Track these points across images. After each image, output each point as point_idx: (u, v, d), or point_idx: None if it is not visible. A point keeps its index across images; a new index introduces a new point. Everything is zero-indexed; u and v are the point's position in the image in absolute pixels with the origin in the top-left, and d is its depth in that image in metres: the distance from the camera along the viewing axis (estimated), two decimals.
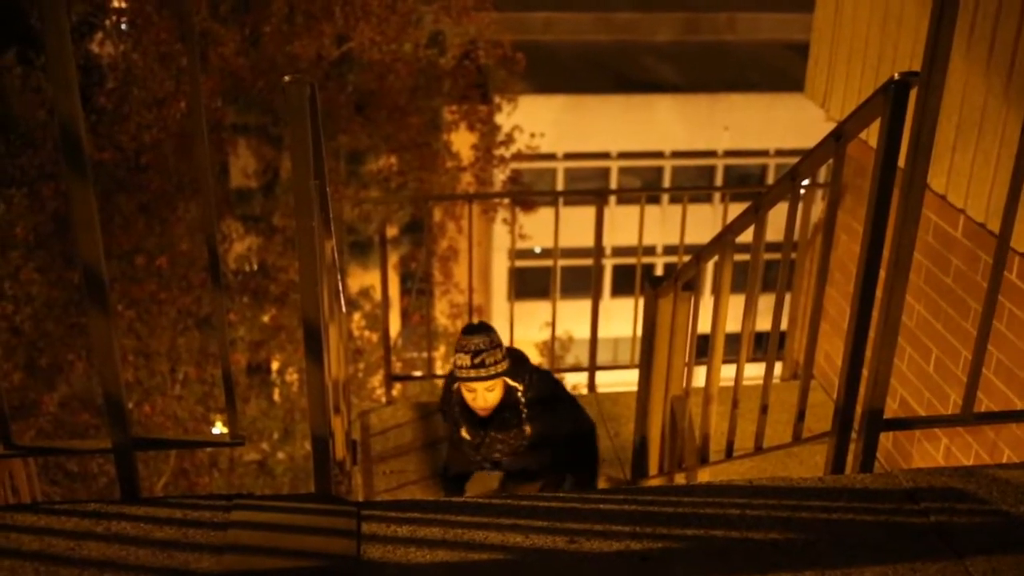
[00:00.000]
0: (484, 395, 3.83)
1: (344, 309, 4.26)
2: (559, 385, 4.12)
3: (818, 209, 5.45)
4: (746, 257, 3.01)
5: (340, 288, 3.84)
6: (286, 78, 1.91)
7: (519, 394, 3.89)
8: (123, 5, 14.61)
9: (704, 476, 3.62)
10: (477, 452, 4.05)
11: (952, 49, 1.94)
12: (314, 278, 2.02)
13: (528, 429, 3.91)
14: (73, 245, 1.94)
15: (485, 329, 3.85)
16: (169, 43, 13.38)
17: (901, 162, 2.05)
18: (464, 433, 4.03)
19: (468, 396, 3.88)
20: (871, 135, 4.33)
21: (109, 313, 1.99)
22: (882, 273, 2.08)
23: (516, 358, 3.94)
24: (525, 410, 3.89)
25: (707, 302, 3.75)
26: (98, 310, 1.98)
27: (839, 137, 2.44)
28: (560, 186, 19.31)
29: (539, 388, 3.93)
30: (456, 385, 3.96)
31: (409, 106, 14.58)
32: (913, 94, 2.04)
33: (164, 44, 13.46)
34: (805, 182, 2.96)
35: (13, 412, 12.14)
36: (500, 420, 3.91)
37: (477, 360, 3.76)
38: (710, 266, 3.93)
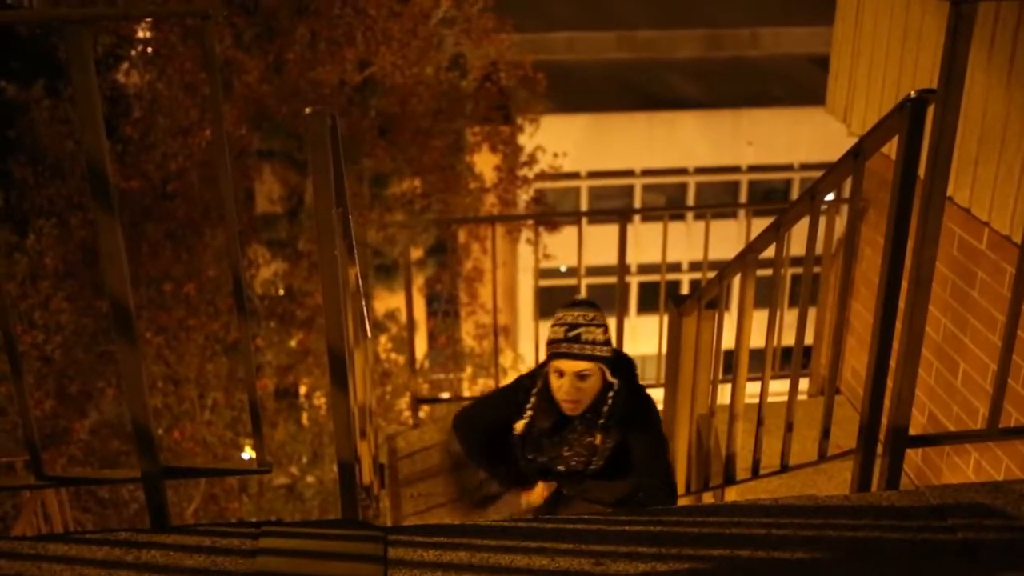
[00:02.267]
0: (574, 382, 3.06)
1: (369, 334, 4.29)
2: (656, 413, 3.32)
3: (842, 223, 5.44)
4: (770, 272, 3.02)
5: (365, 313, 3.86)
6: (307, 109, 1.94)
7: (611, 394, 3.15)
8: (148, 35, 14.79)
9: (732, 495, 3.61)
10: (536, 459, 3.31)
11: (971, 62, 1.94)
12: (338, 306, 2.04)
13: (599, 439, 3.17)
14: (101, 276, 1.98)
15: (588, 303, 3.17)
16: (194, 72, 13.54)
17: (924, 174, 2.05)
18: (529, 424, 3.25)
19: (554, 382, 3.12)
20: (893, 148, 4.33)
21: (136, 344, 2.02)
22: (905, 286, 2.08)
23: (622, 356, 3.27)
24: (607, 415, 3.14)
25: (732, 319, 3.75)
26: (125, 341, 2.01)
27: (858, 155, 2.44)
28: (584, 204, 19.32)
29: (634, 401, 3.18)
30: (545, 369, 3.20)
31: (432, 129, 14.66)
32: (931, 110, 2.04)
33: (189, 73, 13.62)
34: (829, 196, 2.97)
35: (44, 440, 12.28)
36: (580, 422, 3.18)
37: (572, 334, 3.06)
38: (735, 283, 3.93)
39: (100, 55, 14.56)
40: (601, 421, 3.13)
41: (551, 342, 3.10)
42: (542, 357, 3.35)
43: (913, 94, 2.05)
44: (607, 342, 3.08)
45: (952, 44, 1.91)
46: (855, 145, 2.49)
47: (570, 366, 3.06)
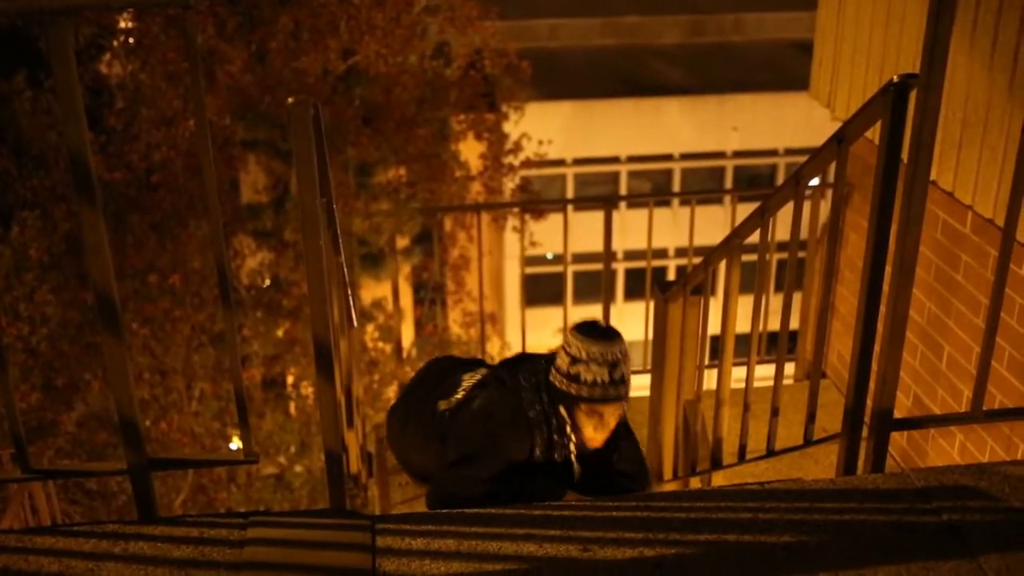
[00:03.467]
0: (609, 423, 2.90)
1: (356, 323, 4.28)
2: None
3: (827, 208, 5.45)
4: (755, 258, 3.03)
5: (351, 303, 3.86)
6: (290, 100, 1.94)
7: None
8: (130, 26, 14.71)
9: (718, 480, 3.63)
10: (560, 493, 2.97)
11: (954, 47, 1.95)
12: (323, 297, 2.04)
13: (616, 459, 3.09)
14: (86, 268, 1.97)
15: (616, 334, 2.89)
16: (177, 62, 13.47)
17: (907, 158, 2.05)
18: (550, 457, 2.97)
19: (589, 425, 2.89)
20: (877, 133, 4.34)
21: (122, 337, 2.01)
22: (889, 270, 2.09)
23: None
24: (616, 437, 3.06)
25: (718, 304, 3.76)
26: (111, 334, 2.01)
27: (841, 140, 2.45)
28: (570, 191, 19.32)
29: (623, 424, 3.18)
30: (571, 408, 2.90)
31: (416, 117, 14.63)
32: (914, 95, 2.05)
33: (172, 64, 13.55)
34: (814, 181, 2.97)
35: (31, 433, 12.23)
36: (601, 451, 3.02)
37: (618, 375, 2.82)
38: (720, 269, 3.94)
39: (82, 46, 14.47)
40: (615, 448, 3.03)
41: (591, 385, 2.79)
42: (530, 344, 3.24)
43: (896, 79, 2.05)
44: (628, 371, 2.92)
45: (934, 29, 1.92)
46: (838, 130, 2.50)
47: (612, 410, 2.87)
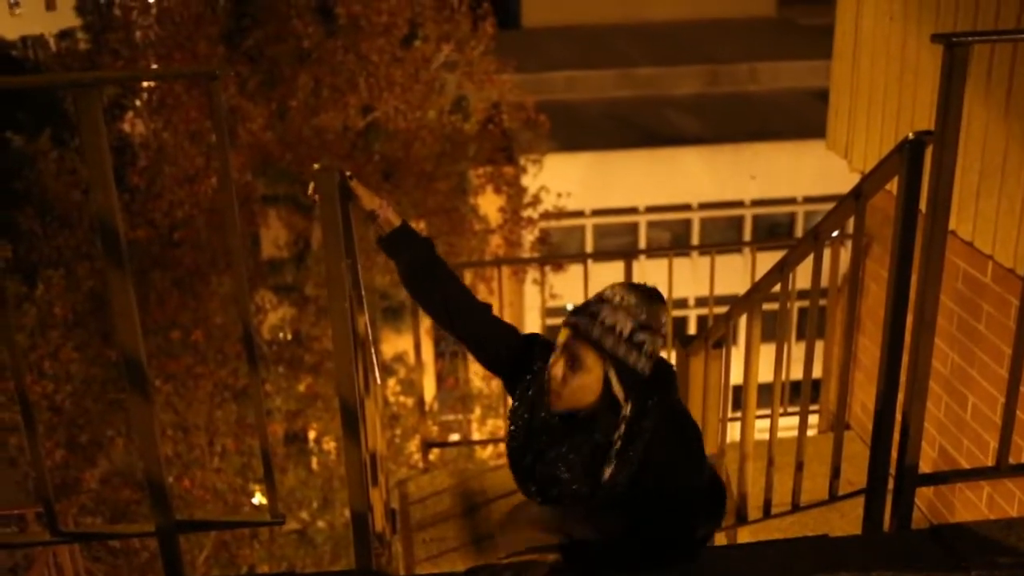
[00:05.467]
0: (563, 364, 2.35)
1: (379, 379, 4.30)
2: (693, 448, 2.44)
3: (846, 257, 5.46)
4: (777, 307, 3.04)
5: (375, 360, 3.88)
6: (315, 166, 1.98)
7: (621, 416, 2.37)
8: (153, 85, 14.96)
9: (744, 535, 3.61)
10: (524, 457, 2.53)
11: (969, 97, 1.97)
12: (349, 357, 2.07)
13: (608, 474, 2.37)
14: (112, 331, 2.00)
15: (650, 294, 2.39)
16: (199, 121, 13.67)
17: (925, 210, 2.07)
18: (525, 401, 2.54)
19: (552, 358, 2.40)
20: (895, 185, 4.35)
21: (150, 400, 2.04)
22: (911, 319, 2.09)
23: (659, 372, 2.43)
24: (618, 443, 2.36)
25: (739, 354, 3.76)
26: (139, 396, 2.03)
27: (859, 195, 2.47)
28: (589, 242, 19.36)
29: (661, 433, 2.38)
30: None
31: (436, 172, 14.76)
32: (930, 149, 2.07)
33: (194, 122, 13.75)
34: (835, 233, 2.99)
35: (55, 491, 12.24)
36: (576, 431, 2.44)
37: (594, 308, 2.36)
38: (741, 321, 3.95)
39: (106, 105, 14.68)
40: (614, 449, 2.37)
41: (575, 310, 2.43)
42: None
43: (911, 135, 2.08)
44: (638, 344, 2.31)
45: (947, 85, 1.94)
46: (856, 186, 2.52)
47: (576, 347, 2.34)
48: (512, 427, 2.57)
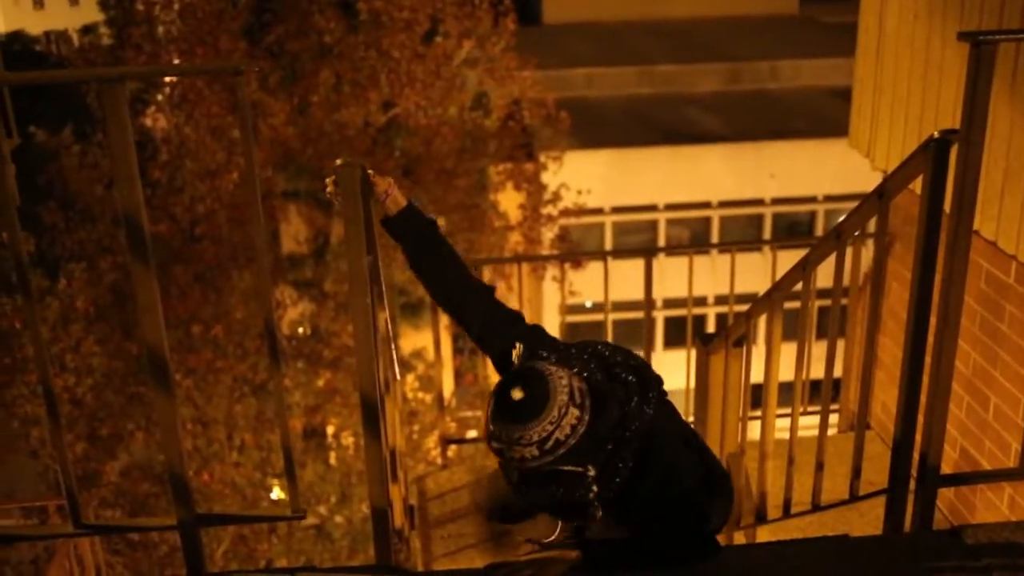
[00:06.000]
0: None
1: (398, 375, 4.31)
2: (679, 452, 2.41)
3: (868, 256, 5.43)
4: (798, 305, 3.03)
5: (395, 356, 3.88)
6: (338, 161, 1.98)
7: (589, 484, 2.26)
8: (175, 80, 15.03)
9: (764, 535, 3.59)
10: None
11: (995, 96, 1.95)
12: (370, 354, 2.07)
13: (599, 515, 2.31)
14: (135, 326, 2.02)
15: (520, 408, 2.16)
16: (221, 116, 13.71)
17: (948, 207, 2.05)
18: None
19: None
20: (918, 183, 4.32)
21: (173, 395, 2.05)
22: (933, 322, 2.07)
23: (598, 403, 2.20)
24: (594, 504, 2.28)
25: (759, 352, 3.75)
26: (162, 390, 2.05)
27: (882, 195, 2.46)
28: (609, 239, 19.34)
29: (645, 481, 2.29)
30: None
31: (456, 168, 14.76)
32: (955, 148, 2.05)
33: (216, 117, 13.80)
34: (857, 232, 2.97)
35: (77, 484, 12.30)
36: None
37: (498, 449, 2.23)
38: (762, 318, 3.93)
39: (128, 99, 14.78)
40: (592, 506, 2.30)
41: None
42: None
43: (936, 134, 2.06)
44: (550, 450, 2.14)
45: (973, 84, 1.93)
46: (880, 185, 2.50)
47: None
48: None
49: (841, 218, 2.94)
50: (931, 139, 2.06)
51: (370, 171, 2.52)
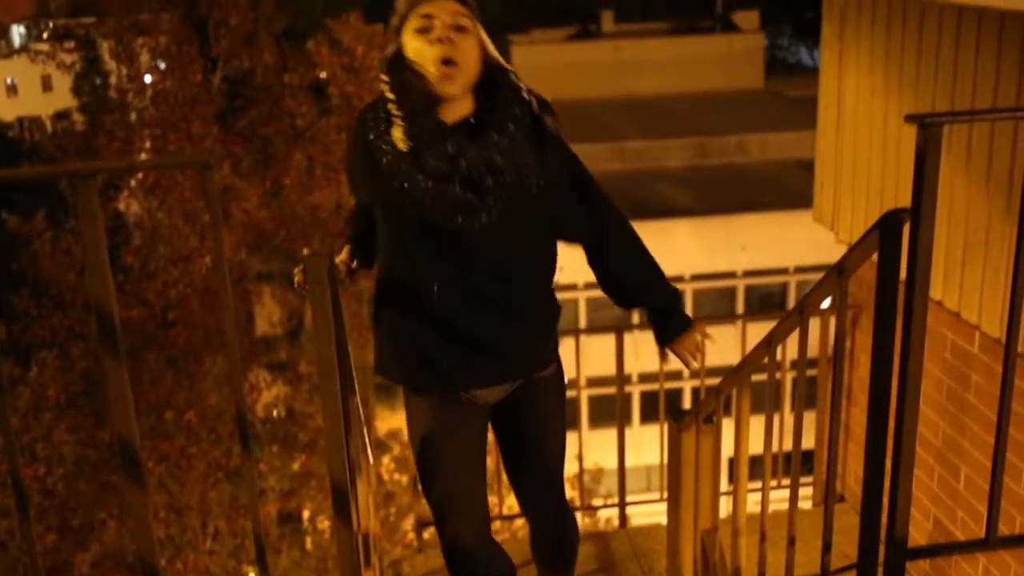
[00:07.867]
0: (447, 32, 2.30)
1: (372, 459, 4.30)
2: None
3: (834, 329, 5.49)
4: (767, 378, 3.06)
5: (367, 439, 3.89)
6: (305, 251, 2.02)
7: (522, 91, 2.50)
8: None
9: None
10: (413, 186, 2.41)
11: (952, 170, 2.02)
12: (340, 440, 2.08)
13: (508, 141, 2.48)
14: (106, 414, 2.02)
15: None
16: (193, 201, 13.78)
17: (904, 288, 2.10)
18: (401, 143, 2.37)
19: (416, 45, 2.30)
20: None
21: (144, 486, 2.05)
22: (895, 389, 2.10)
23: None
24: (511, 106, 2.46)
25: (731, 425, 3.77)
26: (133, 483, 2.04)
27: (841, 271, 2.51)
28: (583, 314, 19.43)
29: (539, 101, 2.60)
30: (399, 46, 2.35)
31: None
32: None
33: (188, 202, 13.86)
34: (825, 303, 3.02)
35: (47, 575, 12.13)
36: (476, 134, 2.41)
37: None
38: (734, 394, 3.97)
39: (101, 186, 14.79)
40: (511, 117, 2.45)
41: None
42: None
43: (887, 213, 2.12)
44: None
45: (922, 163, 1.99)
46: (839, 261, 2.56)
47: (441, 8, 2.28)
48: (397, 172, 2.41)
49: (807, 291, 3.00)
50: (881, 218, 2.12)
51: (338, 260, 2.63)
